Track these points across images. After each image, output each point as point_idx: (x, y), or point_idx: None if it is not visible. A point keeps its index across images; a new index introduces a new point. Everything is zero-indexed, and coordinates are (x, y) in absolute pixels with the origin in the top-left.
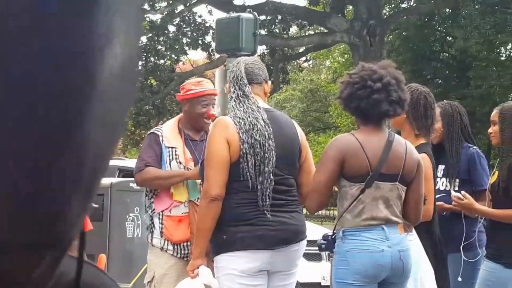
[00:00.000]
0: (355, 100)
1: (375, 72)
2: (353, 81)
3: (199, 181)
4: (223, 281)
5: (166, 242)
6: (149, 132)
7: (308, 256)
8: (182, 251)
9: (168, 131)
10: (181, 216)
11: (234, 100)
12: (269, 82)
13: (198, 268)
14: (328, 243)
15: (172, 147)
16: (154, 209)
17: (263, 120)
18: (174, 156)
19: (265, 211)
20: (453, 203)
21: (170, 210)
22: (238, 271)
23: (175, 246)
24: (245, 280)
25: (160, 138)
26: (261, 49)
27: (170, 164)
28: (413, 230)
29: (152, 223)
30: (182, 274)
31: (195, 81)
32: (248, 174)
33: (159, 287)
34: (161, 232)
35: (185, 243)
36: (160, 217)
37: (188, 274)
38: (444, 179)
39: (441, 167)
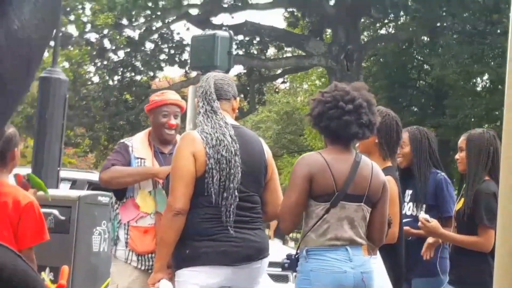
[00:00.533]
0: (326, 119)
1: (348, 93)
2: (324, 100)
3: (164, 192)
4: None
5: (130, 253)
6: (119, 142)
7: (275, 278)
8: (147, 263)
9: (138, 143)
10: (147, 227)
11: (202, 115)
12: (238, 98)
13: (159, 281)
14: (291, 262)
15: (141, 158)
16: (120, 220)
17: (230, 136)
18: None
19: (229, 227)
20: (420, 224)
21: (136, 220)
22: (199, 286)
23: (140, 258)
24: None
25: (130, 148)
26: (238, 69)
27: None
28: (377, 253)
29: (117, 234)
30: (146, 285)
31: (159, 92)
32: (212, 189)
33: None
34: (126, 243)
35: (149, 255)
36: (126, 227)
37: (149, 287)
38: (411, 204)
39: (408, 192)
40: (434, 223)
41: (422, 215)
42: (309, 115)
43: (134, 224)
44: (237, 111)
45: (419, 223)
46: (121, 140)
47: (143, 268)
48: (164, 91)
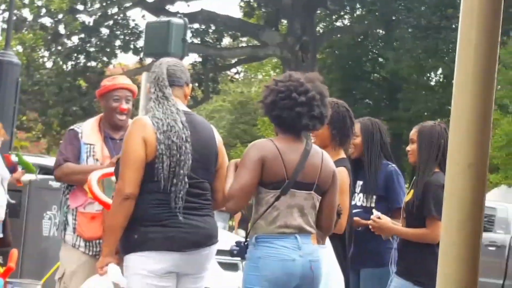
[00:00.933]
0: (278, 109)
1: (302, 84)
2: (278, 89)
3: (114, 179)
4: (132, 281)
5: (78, 238)
6: (68, 129)
7: (225, 266)
8: (94, 249)
9: (88, 128)
10: (95, 213)
11: (154, 101)
12: (190, 85)
13: (107, 265)
14: (241, 249)
15: (90, 144)
16: (69, 205)
17: (181, 122)
18: (91, 153)
19: (177, 213)
20: (371, 222)
21: (84, 206)
22: (147, 271)
23: (87, 243)
24: (153, 280)
25: (79, 134)
26: (193, 57)
27: (87, 160)
28: (327, 242)
29: (66, 219)
30: (93, 272)
31: (110, 77)
32: (162, 175)
33: (68, 284)
34: (74, 228)
35: (97, 241)
36: (74, 213)
37: (97, 271)
38: (361, 194)
39: (359, 183)
40: (385, 220)
41: (375, 213)
42: (262, 102)
43: (82, 210)
44: (189, 98)
45: (370, 221)
46: (71, 127)
47: (90, 253)
48: (115, 76)
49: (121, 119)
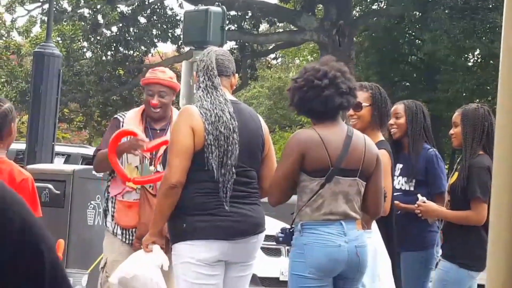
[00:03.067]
0: (307, 102)
1: (318, 70)
2: (299, 85)
3: (152, 167)
4: (180, 269)
5: (116, 226)
6: (113, 117)
7: (268, 251)
8: (129, 237)
9: (130, 117)
10: (132, 202)
11: (202, 90)
12: (236, 75)
13: (153, 243)
14: (286, 236)
15: None
16: (109, 193)
17: (229, 113)
18: None
19: (225, 203)
20: (416, 206)
21: (122, 195)
22: (195, 260)
23: (123, 231)
24: (202, 269)
25: (121, 123)
26: (230, 44)
27: None
28: (373, 226)
29: (107, 206)
30: None
31: (153, 69)
32: (213, 164)
33: (110, 273)
34: (112, 216)
35: (133, 229)
36: (113, 201)
37: (143, 249)
38: (400, 178)
39: (399, 166)
40: (430, 203)
41: (420, 198)
42: (291, 105)
43: (120, 198)
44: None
45: (415, 205)
46: (115, 115)
47: (127, 242)
48: (156, 68)
49: (155, 111)
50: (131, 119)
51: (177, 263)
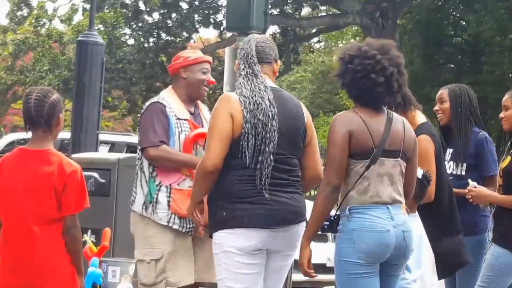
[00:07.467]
0: (357, 89)
1: (378, 62)
2: (354, 68)
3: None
4: (221, 258)
5: (173, 216)
6: (152, 101)
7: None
8: (188, 225)
9: (175, 103)
10: (189, 190)
11: (243, 78)
12: (279, 61)
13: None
14: (331, 224)
15: (183, 119)
16: (160, 183)
17: (268, 100)
18: (183, 129)
19: (263, 191)
20: (467, 191)
21: (178, 183)
22: (236, 249)
23: (182, 220)
24: (243, 258)
25: (167, 109)
26: (273, 29)
27: (179, 136)
28: (416, 212)
29: (156, 197)
30: (189, 250)
31: (190, 50)
32: (247, 153)
33: (167, 265)
34: (169, 206)
35: (189, 218)
36: (168, 190)
37: (192, 219)
38: (451, 162)
39: (449, 151)
40: (481, 188)
41: (471, 183)
42: (338, 77)
43: (177, 187)
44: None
45: (467, 190)
46: (153, 101)
47: (184, 230)
48: (191, 50)
49: (207, 89)
50: (178, 105)
51: (218, 252)
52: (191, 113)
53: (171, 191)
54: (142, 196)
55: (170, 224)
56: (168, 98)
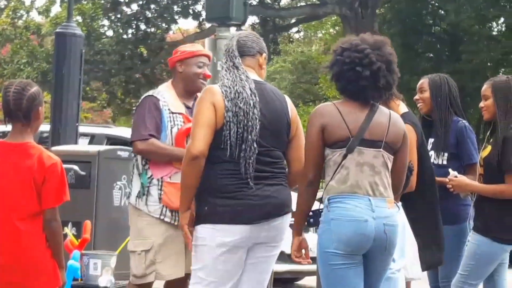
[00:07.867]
0: (343, 81)
1: (366, 56)
2: (343, 60)
3: None
4: (200, 251)
5: (164, 208)
6: (147, 95)
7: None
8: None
9: (170, 97)
10: None
11: (225, 70)
12: (264, 54)
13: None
14: (315, 217)
15: (176, 113)
16: (151, 176)
17: (250, 89)
18: (176, 123)
19: (249, 181)
20: (447, 180)
21: (170, 176)
22: (216, 244)
23: (173, 213)
24: (221, 254)
25: (161, 102)
26: (252, 19)
27: (171, 130)
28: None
29: (148, 190)
30: (180, 243)
31: (189, 44)
32: (229, 142)
33: (157, 256)
34: (160, 199)
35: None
36: (160, 183)
37: (182, 229)
38: (432, 152)
39: (430, 140)
40: (462, 178)
41: (451, 173)
42: (328, 68)
43: (168, 180)
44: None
45: (448, 179)
46: (149, 94)
47: (175, 223)
48: (192, 44)
49: (204, 84)
50: (173, 99)
51: (197, 244)
52: (188, 107)
53: (163, 184)
54: (136, 188)
55: (162, 217)
56: (164, 92)
